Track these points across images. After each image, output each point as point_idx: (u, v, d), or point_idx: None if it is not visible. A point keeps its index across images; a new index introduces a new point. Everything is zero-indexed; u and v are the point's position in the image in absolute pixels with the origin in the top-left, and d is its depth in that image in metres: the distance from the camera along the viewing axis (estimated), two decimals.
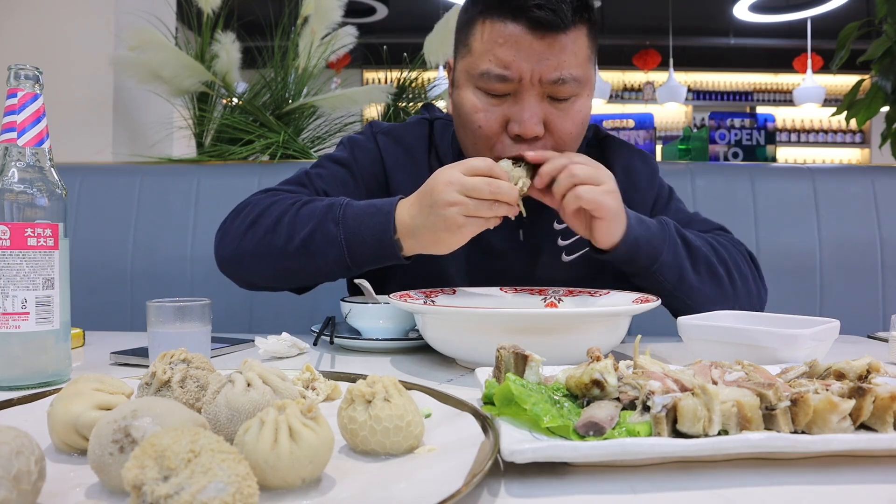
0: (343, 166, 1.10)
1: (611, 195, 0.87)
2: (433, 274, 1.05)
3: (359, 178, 1.09)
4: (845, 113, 2.00)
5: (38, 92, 0.72)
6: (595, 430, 0.45)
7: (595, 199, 0.86)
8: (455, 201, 0.82)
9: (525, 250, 1.08)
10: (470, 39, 0.96)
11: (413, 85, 2.05)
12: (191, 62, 1.77)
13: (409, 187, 1.04)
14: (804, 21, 5.78)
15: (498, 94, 0.94)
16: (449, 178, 0.84)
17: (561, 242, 1.09)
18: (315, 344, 0.95)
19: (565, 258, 1.09)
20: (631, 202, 1.07)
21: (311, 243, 0.91)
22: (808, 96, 5.74)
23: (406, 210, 0.88)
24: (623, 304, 0.87)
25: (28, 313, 0.69)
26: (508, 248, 1.07)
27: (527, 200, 0.95)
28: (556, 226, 1.08)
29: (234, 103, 1.90)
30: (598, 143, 1.16)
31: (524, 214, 0.87)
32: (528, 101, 0.92)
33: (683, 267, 0.95)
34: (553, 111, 0.94)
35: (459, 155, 1.08)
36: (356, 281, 1.04)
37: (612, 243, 0.90)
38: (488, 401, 0.52)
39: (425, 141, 1.12)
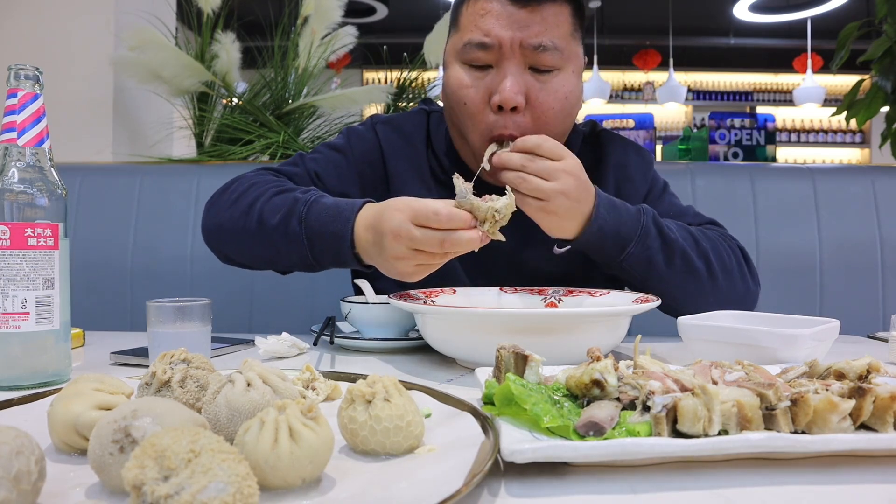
0: (338, 152, 1.11)
1: (562, 192, 0.85)
2: None
3: (352, 164, 1.10)
4: (845, 113, 2.00)
5: (38, 92, 0.72)
6: (595, 430, 0.45)
7: (540, 192, 0.85)
8: (402, 255, 0.78)
9: (516, 240, 1.05)
10: (458, 18, 1.00)
11: (413, 85, 2.05)
12: (191, 62, 1.77)
13: (407, 174, 1.07)
14: (804, 21, 5.78)
15: (480, 64, 0.95)
16: (398, 229, 0.77)
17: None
18: (315, 344, 0.95)
19: (557, 250, 1.09)
20: (624, 194, 1.09)
21: (276, 237, 0.92)
22: (808, 96, 5.74)
23: (363, 228, 0.85)
24: (623, 304, 0.87)
25: (28, 313, 0.69)
26: (496, 244, 1.06)
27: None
28: None
29: (234, 103, 1.90)
30: (595, 138, 1.16)
31: (503, 240, 0.79)
32: (508, 70, 0.93)
33: (654, 259, 0.93)
34: (535, 83, 0.95)
35: (451, 149, 1.10)
36: (356, 281, 1.04)
37: (565, 235, 0.90)
38: (488, 401, 0.52)
39: (424, 130, 1.13)
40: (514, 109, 0.94)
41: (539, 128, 0.96)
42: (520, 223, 1.07)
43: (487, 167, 0.92)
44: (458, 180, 0.77)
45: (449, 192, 1.08)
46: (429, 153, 1.11)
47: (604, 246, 0.91)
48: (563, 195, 0.85)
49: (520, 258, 1.08)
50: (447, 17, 1.87)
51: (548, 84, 0.95)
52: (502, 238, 0.78)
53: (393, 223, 0.77)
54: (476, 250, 0.77)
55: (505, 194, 0.78)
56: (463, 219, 0.75)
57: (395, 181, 1.09)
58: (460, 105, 0.98)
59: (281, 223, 0.91)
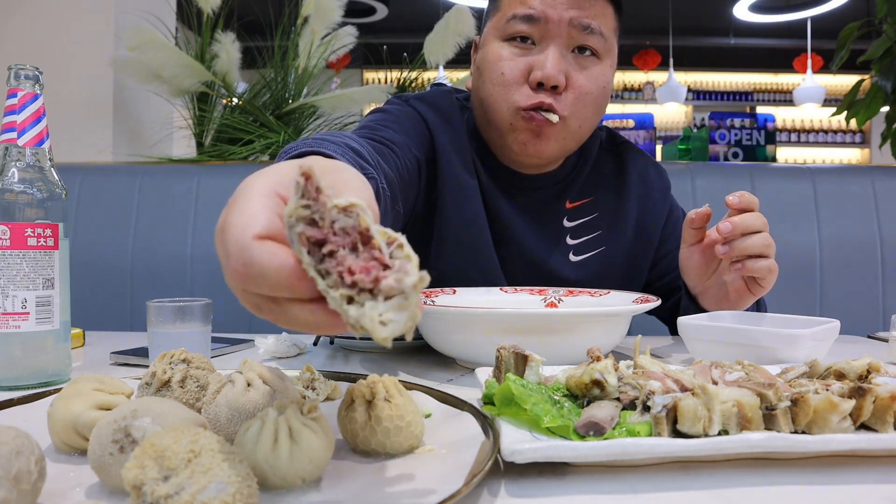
0: (390, 117, 0.99)
1: (774, 271, 0.85)
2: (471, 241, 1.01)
3: (411, 125, 1.00)
4: (845, 113, 2.00)
5: (38, 92, 0.72)
6: (595, 430, 0.45)
7: (770, 274, 0.83)
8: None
9: (533, 243, 1.06)
10: (499, 0, 0.97)
11: (413, 85, 2.05)
12: (191, 62, 1.77)
13: (450, 152, 1.01)
14: (804, 21, 5.78)
15: (524, 36, 0.93)
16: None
17: (570, 241, 1.08)
18: (315, 344, 0.95)
19: (573, 258, 1.08)
20: (645, 210, 1.10)
21: None
22: (808, 96, 5.74)
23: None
24: (623, 304, 0.87)
25: (28, 313, 0.69)
26: (516, 239, 1.05)
27: (536, 189, 0.96)
28: (566, 223, 1.07)
29: (234, 103, 1.90)
30: (615, 147, 1.14)
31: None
32: (553, 48, 0.92)
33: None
34: (576, 66, 0.94)
35: (475, 134, 1.06)
36: None
37: (743, 308, 0.90)
38: (488, 401, 0.52)
39: (458, 109, 1.06)
40: (554, 89, 0.92)
41: (576, 111, 0.94)
42: (539, 228, 1.06)
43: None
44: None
45: (488, 176, 1.03)
46: (467, 134, 1.05)
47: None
48: (774, 274, 0.84)
49: (536, 263, 1.05)
50: (447, 16, 1.88)
51: (589, 69, 0.94)
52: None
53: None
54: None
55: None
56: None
57: (442, 158, 1.02)
58: (497, 76, 0.94)
59: None
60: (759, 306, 1.01)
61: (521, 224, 1.05)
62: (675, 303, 1.05)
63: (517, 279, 1.04)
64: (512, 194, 1.05)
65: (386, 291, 0.32)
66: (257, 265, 0.33)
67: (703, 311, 0.92)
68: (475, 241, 1.01)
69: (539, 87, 0.92)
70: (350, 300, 0.32)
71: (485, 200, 1.03)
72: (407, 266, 0.32)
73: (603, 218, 1.08)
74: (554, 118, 0.93)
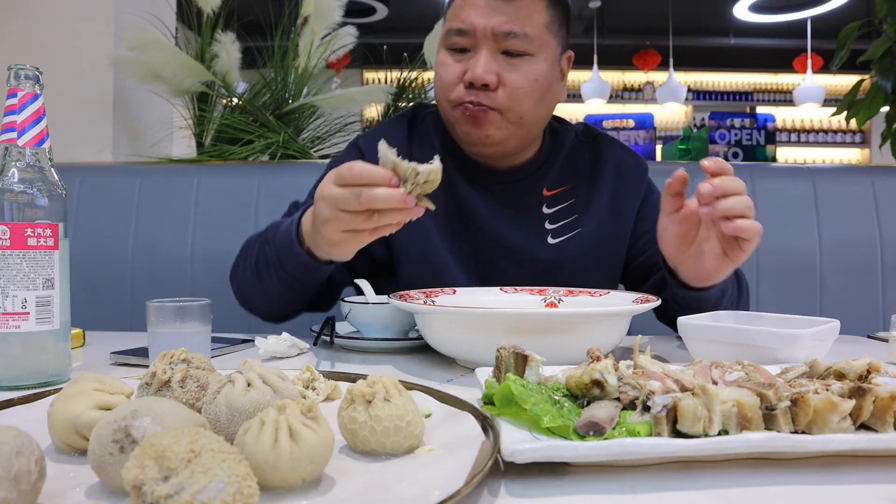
0: None
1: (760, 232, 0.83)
2: (420, 249, 1.10)
3: None
4: (845, 113, 2.00)
5: (38, 92, 0.72)
6: (595, 430, 0.45)
7: (756, 234, 0.81)
8: (328, 217, 0.77)
9: (513, 227, 1.13)
10: (447, 11, 1.09)
11: (413, 85, 2.05)
12: (191, 62, 1.76)
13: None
14: (804, 21, 5.78)
15: (459, 48, 1.05)
16: (322, 191, 0.78)
17: (548, 226, 1.14)
18: (315, 344, 0.95)
19: (551, 241, 1.13)
20: (621, 196, 1.17)
21: (260, 267, 0.98)
22: (808, 96, 5.74)
23: (307, 220, 0.87)
24: (623, 304, 0.87)
25: (28, 313, 0.69)
26: (494, 222, 1.12)
27: (512, 182, 1.03)
28: (545, 210, 1.14)
29: (234, 103, 1.90)
30: (592, 139, 1.21)
31: (432, 208, 0.74)
32: (482, 53, 1.02)
33: (731, 301, 0.98)
34: (506, 66, 1.03)
35: (439, 135, 1.16)
36: (356, 281, 1.04)
37: (721, 277, 0.89)
38: (488, 401, 0.52)
39: (403, 132, 1.17)
40: (485, 87, 1.02)
41: (509, 102, 1.03)
42: (518, 211, 1.11)
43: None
44: (381, 144, 0.73)
45: (466, 179, 1.12)
46: (411, 149, 1.15)
47: (722, 296, 0.95)
48: (759, 235, 0.82)
49: (514, 245, 1.12)
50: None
51: (518, 67, 1.03)
52: (431, 206, 0.73)
53: (322, 185, 0.79)
54: (414, 219, 0.74)
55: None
56: (379, 174, 0.72)
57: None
58: (438, 80, 1.08)
59: (260, 254, 0.98)
60: (738, 280, 1.02)
61: (499, 216, 1.12)
62: (657, 280, 1.09)
63: (498, 266, 1.11)
64: (491, 190, 1.13)
65: (423, 176, 0.71)
66: (368, 167, 0.74)
67: (682, 284, 0.92)
68: (424, 250, 1.10)
69: (471, 86, 1.03)
70: (405, 183, 0.72)
71: (460, 202, 1.12)
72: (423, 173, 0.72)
73: (579, 203, 1.15)
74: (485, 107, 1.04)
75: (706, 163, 0.82)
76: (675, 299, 0.97)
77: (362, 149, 1.15)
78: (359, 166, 0.74)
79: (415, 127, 1.19)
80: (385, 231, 0.77)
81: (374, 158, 1.11)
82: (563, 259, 1.11)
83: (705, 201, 0.80)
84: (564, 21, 1.09)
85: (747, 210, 0.80)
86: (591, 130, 1.23)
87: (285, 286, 0.96)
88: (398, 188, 0.72)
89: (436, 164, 0.71)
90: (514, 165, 1.14)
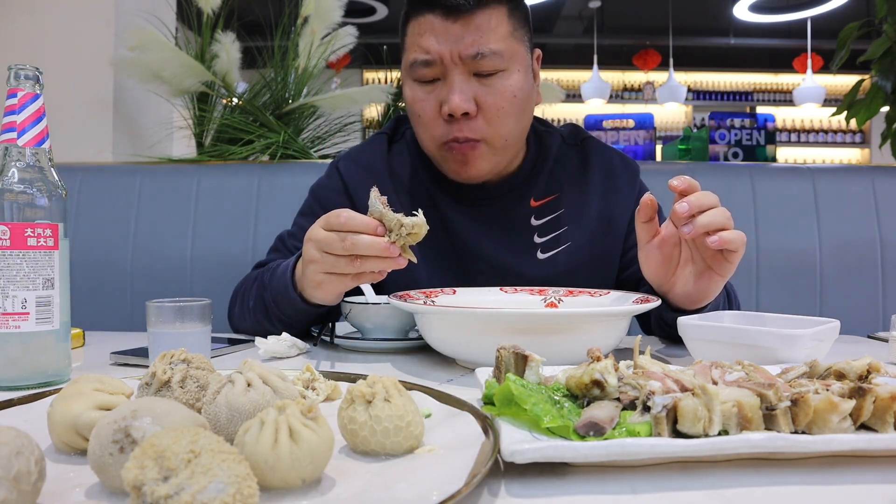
0: (308, 216, 1.14)
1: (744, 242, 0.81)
2: (405, 272, 1.07)
3: None
4: (845, 113, 2.00)
5: (38, 92, 0.72)
6: (595, 430, 0.45)
7: (742, 244, 0.80)
8: (313, 258, 0.81)
9: (501, 244, 1.10)
10: (404, 40, 1.04)
11: None
12: (191, 62, 1.76)
13: (391, 195, 1.08)
14: (804, 21, 5.79)
15: (428, 79, 1.01)
16: (310, 233, 0.82)
17: (537, 240, 1.11)
18: (315, 344, 0.95)
19: (540, 256, 1.11)
20: (610, 202, 1.12)
21: (258, 312, 1.00)
22: (808, 96, 5.74)
23: (300, 263, 0.90)
24: (623, 304, 0.87)
25: (28, 313, 0.69)
26: (481, 242, 1.10)
27: (500, 192, 1.02)
28: (534, 221, 1.11)
29: (234, 103, 1.90)
30: (580, 143, 1.17)
31: (415, 261, 0.77)
32: (453, 80, 0.98)
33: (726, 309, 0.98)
34: (481, 88, 0.99)
35: (420, 153, 1.13)
36: None
37: (714, 294, 0.87)
38: (488, 401, 0.52)
39: (383, 153, 1.15)
40: (466, 115, 0.99)
41: (494, 128, 1.00)
42: (506, 229, 1.10)
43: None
44: (373, 191, 0.77)
45: (449, 198, 1.09)
46: (391, 175, 1.13)
47: (717, 305, 0.93)
48: (744, 244, 0.81)
49: (504, 263, 1.09)
50: None
51: (494, 86, 1.00)
52: (414, 258, 0.77)
53: (311, 228, 0.82)
54: (395, 269, 0.77)
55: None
56: (365, 223, 0.76)
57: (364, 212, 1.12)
58: (416, 118, 1.04)
59: (259, 301, 1.00)
60: (728, 295, 1.01)
61: (486, 235, 1.10)
62: (646, 293, 1.08)
63: (486, 286, 1.06)
64: (477, 206, 1.11)
65: (408, 228, 0.74)
66: (356, 216, 0.76)
67: (678, 310, 0.90)
68: (410, 273, 1.07)
69: (451, 118, 0.99)
70: (390, 233, 0.75)
71: (446, 222, 1.10)
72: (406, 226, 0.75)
73: (568, 214, 1.12)
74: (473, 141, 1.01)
75: (674, 182, 0.79)
76: (667, 321, 0.92)
77: (342, 171, 1.15)
78: (346, 214, 0.77)
79: (395, 142, 1.17)
80: (368, 278, 0.81)
81: (353, 181, 1.15)
82: (553, 275, 1.09)
83: (683, 221, 0.78)
84: (526, 21, 1.05)
85: (727, 221, 0.78)
86: (579, 133, 1.19)
87: (286, 327, 0.98)
88: (383, 237, 0.75)
89: (419, 219, 0.75)
90: (499, 178, 1.12)
